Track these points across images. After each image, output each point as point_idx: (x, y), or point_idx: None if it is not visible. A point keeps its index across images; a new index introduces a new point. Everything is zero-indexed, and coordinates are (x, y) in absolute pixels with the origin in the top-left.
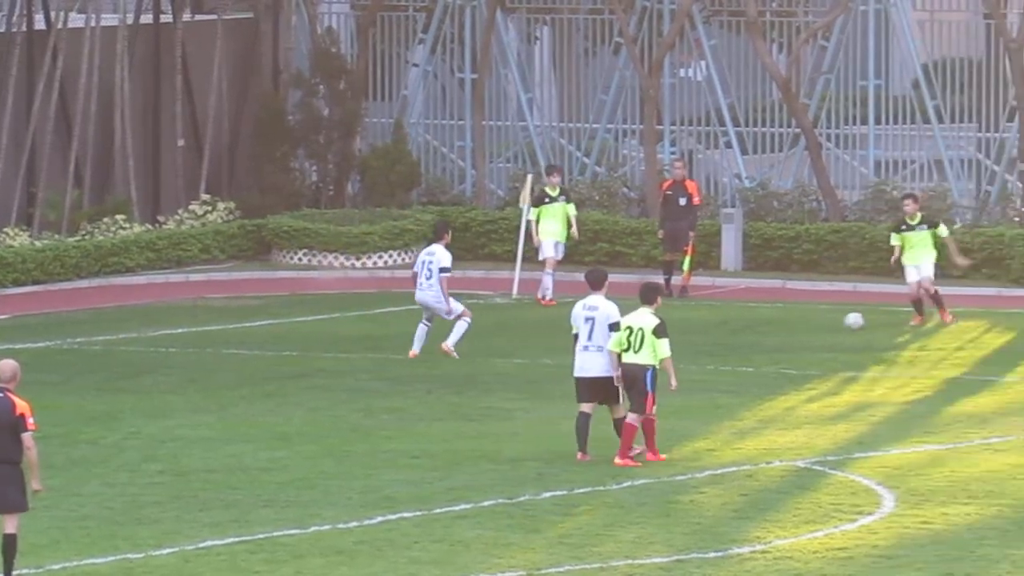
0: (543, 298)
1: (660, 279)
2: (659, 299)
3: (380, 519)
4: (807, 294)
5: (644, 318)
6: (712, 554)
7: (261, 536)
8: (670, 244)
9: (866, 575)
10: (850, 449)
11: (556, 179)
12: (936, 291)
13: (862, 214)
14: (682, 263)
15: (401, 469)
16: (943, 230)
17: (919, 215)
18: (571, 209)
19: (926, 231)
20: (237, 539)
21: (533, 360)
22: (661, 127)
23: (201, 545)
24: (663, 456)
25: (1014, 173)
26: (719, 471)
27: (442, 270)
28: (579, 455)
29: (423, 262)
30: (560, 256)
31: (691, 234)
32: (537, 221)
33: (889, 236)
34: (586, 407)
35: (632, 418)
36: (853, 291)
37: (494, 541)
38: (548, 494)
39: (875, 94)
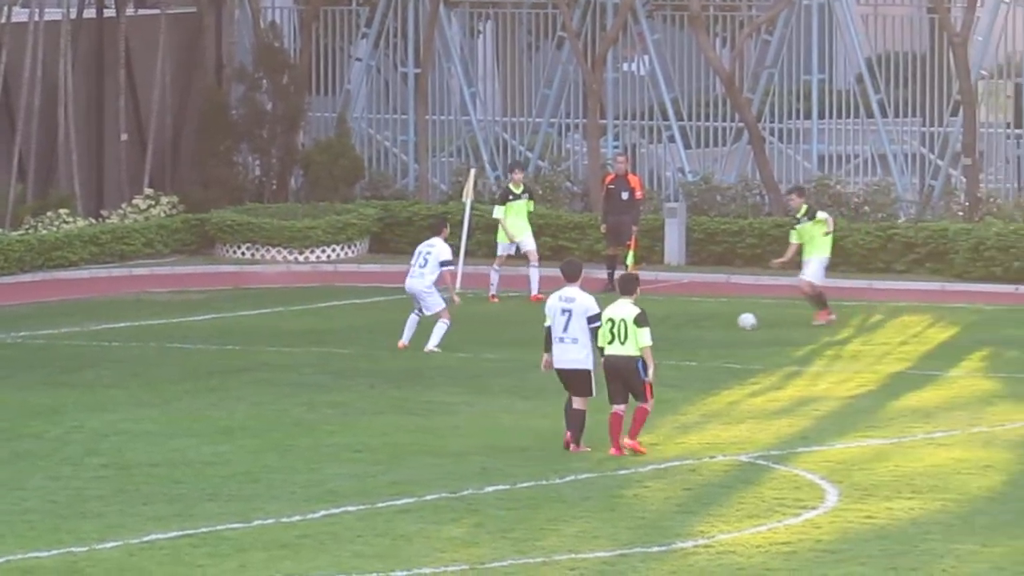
0: (534, 294)
1: (604, 273)
2: (638, 290)
3: (323, 513)
4: (751, 288)
5: (624, 309)
6: (655, 548)
7: (204, 530)
8: (613, 238)
9: (809, 569)
10: (794, 444)
11: (519, 176)
12: (812, 292)
13: None
14: (625, 257)
15: (344, 463)
16: (822, 214)
17: (804, 207)
18: (530, 206)
19: (811, 222)
20: (181, 533)
21: (476, 355)
22: (604, 121)
23: (145, 539)
24: (644, 448)
25: (958, 168)
26: (663, 465)
27: (443, 263)
28: (572, 447)
29: (420, 252)
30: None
31: (634, 228)
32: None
33: (789, 235)
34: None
35: (648, 404)
36: (796, 285)
37: (437, 535)
38: (491, 488)
39: (819, 88)
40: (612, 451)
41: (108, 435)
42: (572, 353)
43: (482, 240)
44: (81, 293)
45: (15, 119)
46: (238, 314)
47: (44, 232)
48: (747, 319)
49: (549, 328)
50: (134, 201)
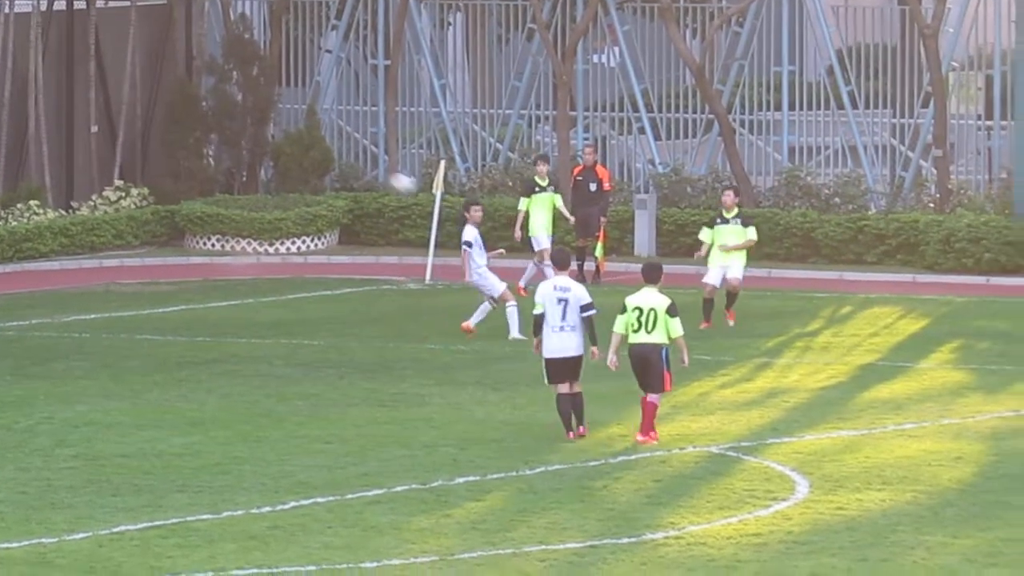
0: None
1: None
2: (662, 278)
3: (293, 504)
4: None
5: (654, 298)
6: (626, 540)
7: (174, 521)
8: (581, 230)
9: (780, 561)
10: (764, 435)
11: (544, 168)
12: (738, 291)
13: (776, 200)
14: (594, 248)
15: (314, 455)
16: (752, 233)
17: (736, 209)
18: (558, 200)
19: (740, 227)
20: (150, 524)
21: (446, 346)
22: (574, 113)
23: (115, 530)
24: (656, 439)
25: (928, 159)
26: (633, 457)
27: (464, 244)
28: (568, 434)
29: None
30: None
31: (602, 219)
32: (527, 212)
33: (700, 229)
34: (563, 388)
35: (653, 397)
36: (768, 277)
37: (407, 526)
38: (462, 479)
39: (789, 80)
40: (642, 437)
41: (78, 426)
42: (570, 341)
43: (452, 231)
44: (51, 285)
45: None
46: (208, 306)
47: (14, 224)
48: (402, 180)
49: (540, 315)
50: (104, 193)
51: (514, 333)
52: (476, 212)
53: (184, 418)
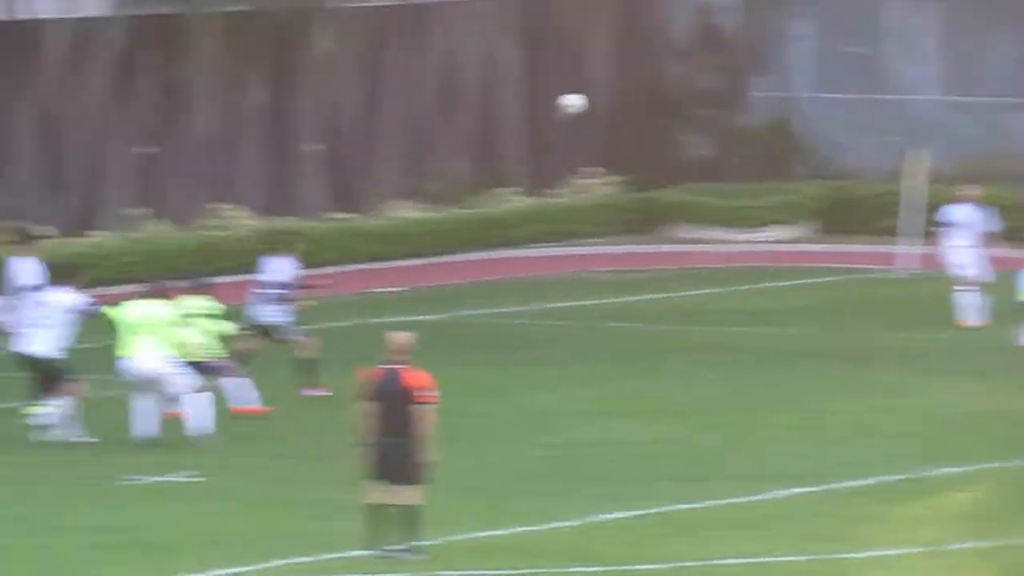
0: None
1: None
2: None
3: (774, 494)
4: None
5: None
6: None
7: (653, 510)
8: None
9: None
10: None
11: None
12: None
13: None
14: None
15: (791, 443)
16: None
17: None
18: None
19: None
20: (628, 513)
21: (925, 335)
22: None
23: (595, 518)
24: None
25: None
26: None
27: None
28: None
29: None
30: None
31: None
32: None
33: None
34: None
35: None
36: None
37: (892, 516)
38: (945, 469)
39: None
40: None
41: (549, 415)
42: None
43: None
44: (523, 272)
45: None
46: (680, 294)
47: (487, 210)
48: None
49: None
50: (577, 179)
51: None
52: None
53: (654, 407)
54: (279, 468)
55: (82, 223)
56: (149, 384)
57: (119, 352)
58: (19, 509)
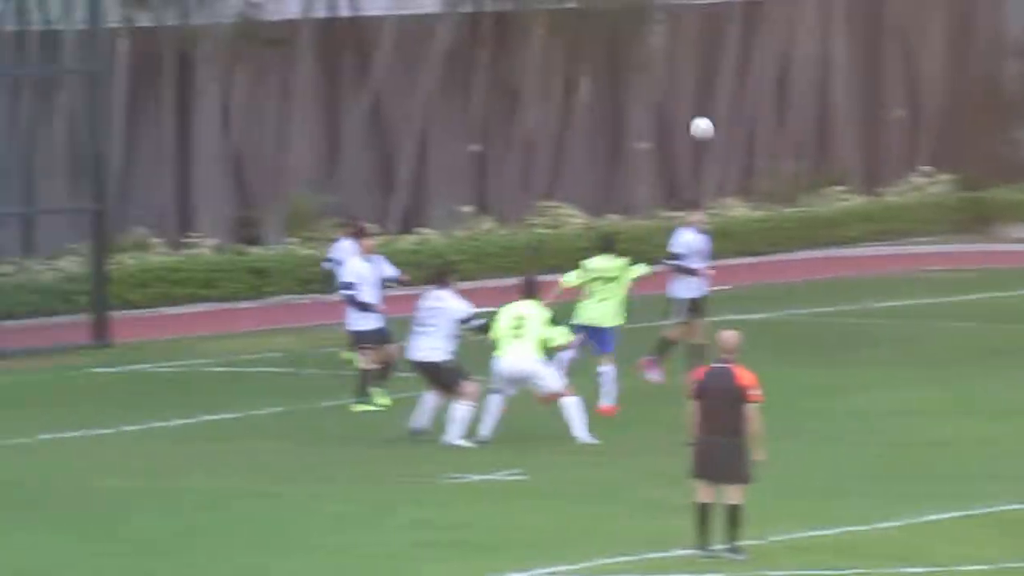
0: None
1: None
2: None
3: None
4: None
5: None
6: None
7: (983, 510)
8: None
9: None
10: None
11: None
12: None
13: None
14: None
15: None
16: None
17: None
18: None
19: None
20: (960, 513)
21: None
22: None
23: (923, 519)
24: None
25: None
26: None
27: None
28: None
29: None
30: None
31: None
32: None
33: None
34: None
35: None
36: None
37: None
38: None
39: None
40: None
41: (884, 413)
42: None
43: None
44: (856, 270)
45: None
46: (1016, 293)
47: (821, 209)
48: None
49: None
50: (911, 178)
51: None
52: None
53: (991, 407)
54: (602, 465)
55: (408, 221)
56: (520, 383)
57: (494, 352)
58: (344, 507)
